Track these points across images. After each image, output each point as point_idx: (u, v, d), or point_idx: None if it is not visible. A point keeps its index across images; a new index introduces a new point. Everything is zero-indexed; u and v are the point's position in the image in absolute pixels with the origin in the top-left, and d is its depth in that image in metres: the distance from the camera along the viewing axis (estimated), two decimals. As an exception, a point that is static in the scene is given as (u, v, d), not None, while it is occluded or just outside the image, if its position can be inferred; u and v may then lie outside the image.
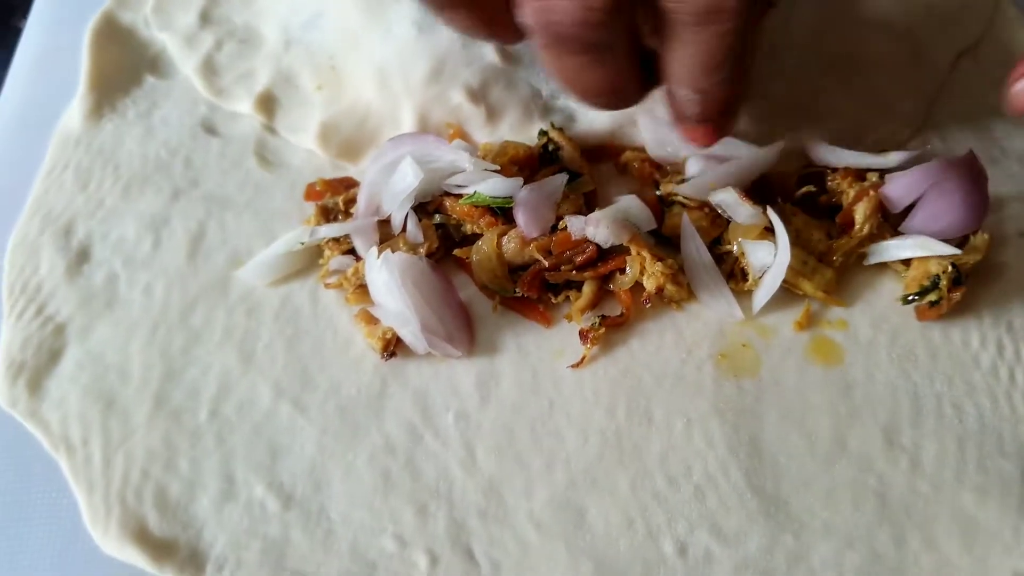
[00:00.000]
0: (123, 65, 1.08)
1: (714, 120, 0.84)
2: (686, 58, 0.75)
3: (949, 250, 0.87)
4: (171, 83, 1.07)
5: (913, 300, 0.88)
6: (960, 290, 0.87)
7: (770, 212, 0.88)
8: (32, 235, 0.94)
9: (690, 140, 0.88)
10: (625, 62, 0.76)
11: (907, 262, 0.91)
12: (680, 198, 0.92)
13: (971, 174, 0.89)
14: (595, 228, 0.86)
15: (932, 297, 0.87)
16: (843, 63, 1.07)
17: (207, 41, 1.09)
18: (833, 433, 0.83)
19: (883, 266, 0.93)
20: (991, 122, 1.06)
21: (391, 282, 0.84)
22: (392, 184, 0.88)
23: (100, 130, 1.02)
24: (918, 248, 0.88)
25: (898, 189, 0.90)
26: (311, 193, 0.96)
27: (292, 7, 1.09)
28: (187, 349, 0.87)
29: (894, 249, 0.89)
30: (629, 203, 0.89)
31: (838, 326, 0.90)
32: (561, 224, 0.89)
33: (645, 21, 0.75)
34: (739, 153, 0.96)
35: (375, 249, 0.85)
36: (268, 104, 1.04)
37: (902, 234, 0.91)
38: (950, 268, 0.87)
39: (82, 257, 0.93)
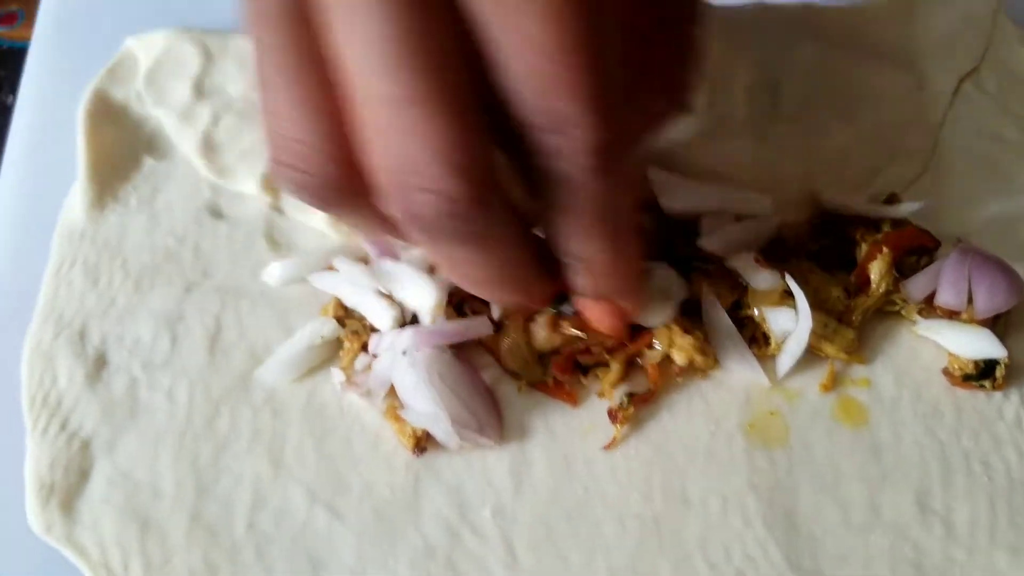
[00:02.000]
0: (120, 148, 1.01)
1: (612, 297, 0.75)
2: (557, 221, 0.62)
3: (1001, 351, 0.85)
4: (171, 164, 1.01)
5: (968, 379, 0.86)
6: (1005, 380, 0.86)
7: (789, 280, 0.85)
8: (47, 341, 0.90)
9: (593, 322, 0.79)
10: (514, 250, 0.63)
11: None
12: (697, 263, 0.89)
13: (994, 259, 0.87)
14: (654, 318, 0.83)
15: (986, 383, 0.85)
16: (846, 99, 1.03)
17: (203, 116, 1.03)
18: (866, 501, 0.81)
19: (897, 316, 0.91)
20: (995, 151, 1.02)
21: (419, 383, 0.80)
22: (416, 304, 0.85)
23: (104, 221, 0.97)
24: (978, 342, 0.85)
25: (920, 285, 0.89)
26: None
27: (288, 76, 1.04)
28: (216, 458, 0.83)
29: (949, 333, 0.87)
30: (666, 277, 0.85)
31: (862, 384, 0.87)
32: None
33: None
34: (747, 207, 0.92)
35: (402, 358, 0.82)
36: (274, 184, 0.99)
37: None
38: (1006, 360, 0.85)
39: (100, 363, 0.89)
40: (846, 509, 0.81)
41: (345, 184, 0.57)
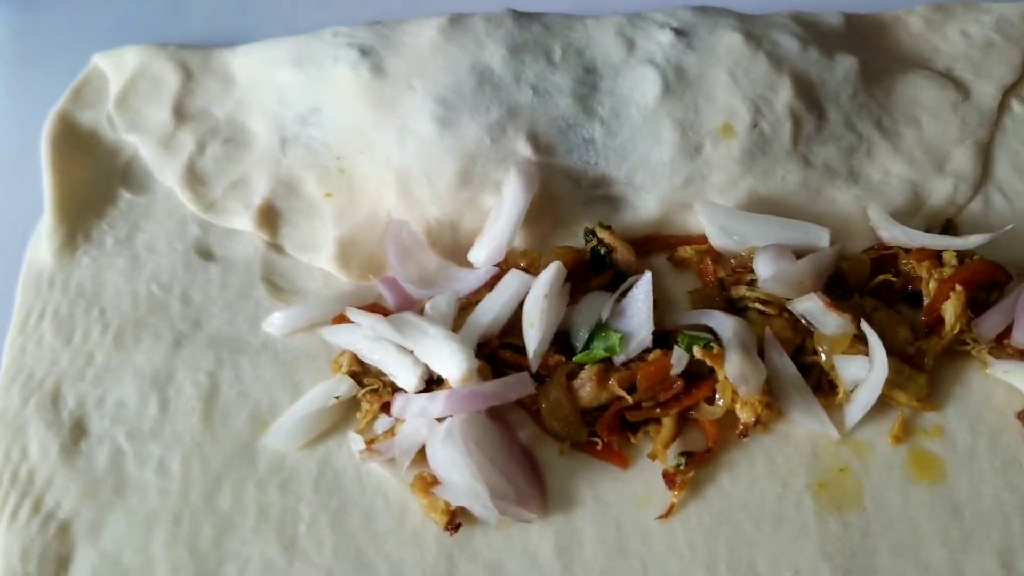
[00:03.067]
0: (91, 179, 0.90)
1: None
2: None
3: None
4: (151, 198, 0.90)
5: None
6: None
7: (865, 327, 0.77)
8: (13, 408, 0.78)
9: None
10: None
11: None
12: (757, 304, 0.81)
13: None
14: (745, 385, 0.74)
15: None
16: (891, 115, 0.95)
17: (187, 143, 0.91)
18: (948, 564, 0.73)
19: (966, 355, 0.83)
20: (1052, 171, 0.96)
21: (458, 457, 0.70)
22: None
23: (76, 265, 0.85)
24: None
25: (992, 324, 0.82)
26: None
27: (281, 98, 0.92)
28: (219, 540, 0.73)
29: None
30: (741, 335, 0.76)
31: (934, 434, 0.79)
32: (652, 356, 0.76)
33: None
34: (805, 238, 0.84)
35: (437, 427, 0.71)
36: (270, 218, 0.88)
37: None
38: None
39: (77, 432, 0.77)
40: (928, 574, 0.73)
41: None
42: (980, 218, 0.92)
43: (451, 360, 0.73)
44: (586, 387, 0.75)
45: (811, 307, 0.78)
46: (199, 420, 0.78)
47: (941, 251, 0.85)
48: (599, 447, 0.77)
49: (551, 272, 0.77)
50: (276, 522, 0.74)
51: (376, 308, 0.82)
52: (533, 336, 0.76)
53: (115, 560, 0.72)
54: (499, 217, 0.83)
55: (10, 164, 0.93)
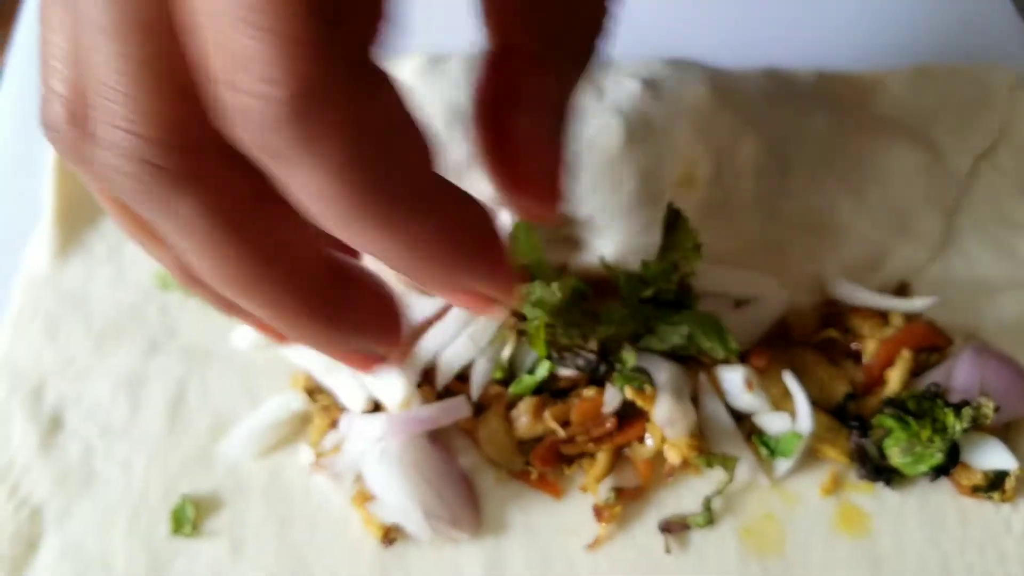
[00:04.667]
0: (90, 193, 0.97)
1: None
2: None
3: (1012, 463, 0.81)
4: (144, 211, 0.97)
5: (977, 490, 0.81)
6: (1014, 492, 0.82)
7: (789, 380, 0.81)
8: (1, 398, 0.85)
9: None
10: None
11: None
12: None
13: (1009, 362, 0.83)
14: (671, 427, 0.79)
15: (995, 495, 0.81)
16: (857, 174, 0.99)
17: (181, 161, 0.99)
18: (863, 616, 0.77)
19: (906, 417, 0.87)
20: (1015, 237, 0.98)
21: (390, 478, 0.76)
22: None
23: (68, 270, 0.93)
24: (988, 452, 0.81)
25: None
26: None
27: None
28: (172, 537, 0.79)
29: (988, 458, 0.82)
30: (674, 380, 0.81)
31: (865, 490, 0.83)
32: (586, 392, 0.81)
33: None
34: (753, 289, 0.89)
35: (373, 448, 0.77)
36: (250, 238, 0.94)
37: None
38: (1017, 471, 0.81)
39: (55, 425, 0.84)
40: (841, 626, 0.77)
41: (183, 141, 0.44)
42: (938, 281, 0.95)
43: (390, 386, 0.79)
44: (522, 419, 0.81)
45: (732, 378, 0.82)
46: (164, 423, 0.85)
47: (888, 312, 0.89)
48: (534, 477, 0.82)
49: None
50: (226, 523, 0.80)
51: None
52: (477, 367, 0.82)
53: (78, 546, 0.79)
54: None
55: (15, 167, 1.01)
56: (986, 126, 1.06)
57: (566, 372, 0.82)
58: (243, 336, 0.88)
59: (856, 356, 0.89)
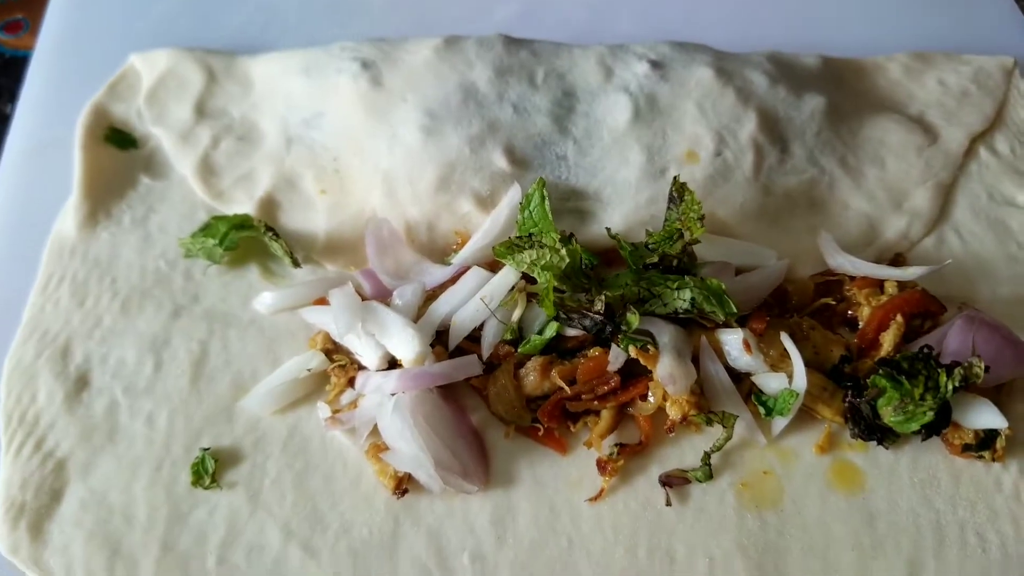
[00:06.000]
0: (117, 165, 1.04)
1: None
2: None
3: (1002, 422, 0.85)
4: (167, 184, 1.03)
5: (968, 449, 0.86)
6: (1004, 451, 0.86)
7: (785, 341, 0.86)
8: (28, 359, 0.91)
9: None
10: None
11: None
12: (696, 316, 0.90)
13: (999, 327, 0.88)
14: (673, 384, 0.83)
15: (985, 454, 0.86)
16: (855, 153, 1.05)
17: (204, 137, 1.05)
18: (857, 568, 0.81)
19: (900, 379, 0.91)
20: (1007, 215, 1.04)
21: (404, 428, 0.81)
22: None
23: (96, 239, 0.99)
24: (979, 412, 0.86)
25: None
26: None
27: (289, 102, 1.06)
28: (193, 489, 0.84)
29: (978, 418, 0.86)
30: (676, 341, 0.86)
31: (859, 448, 0.88)
32: (592, 352, 0.86)
33: None
34: (752, 260, 0.94)
35: (387, 400, 0.82)
36: (270, 209, 1.00)
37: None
38: (1007, 431, 0.85)
39: (81, 383, 0.90)
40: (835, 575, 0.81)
41: None
42: (932, 255, 1.01)
43: (406, 344, 0.84)
44: (530, 376, 0.86)
45: (731, 340, 0.87)
46: (187, 382, 0.90)
47: (883, 281, 0.94)
48: (541, 433, 0.87)
49: (499, 275, 0.88)
50: (245, 475, 0.85)
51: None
52: (487, 328, 0.87)
53: (102, 497, 0.84)
54: (496, 223, 0.93)
55: (52, 146, 1.07)
56: (982, 109, 1.12)
57: (573, 332, 0.87)
58: (263, 301, 0.93)
59: (852, 323, 0.94)
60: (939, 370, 0.83)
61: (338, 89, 1.03)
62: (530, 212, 0.89)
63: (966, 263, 1.00)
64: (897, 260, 0.98)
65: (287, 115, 1.05)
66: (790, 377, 0.86)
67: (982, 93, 1.13)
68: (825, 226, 0.99)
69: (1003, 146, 1.10)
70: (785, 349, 0.87)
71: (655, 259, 0.88)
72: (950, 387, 0.83)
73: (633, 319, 0.85)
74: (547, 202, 0.89)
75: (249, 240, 0.98)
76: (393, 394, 0.83)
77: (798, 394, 0.85)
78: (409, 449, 0.81)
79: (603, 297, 0.85)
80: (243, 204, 1.00)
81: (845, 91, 1.10)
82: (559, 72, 1.03)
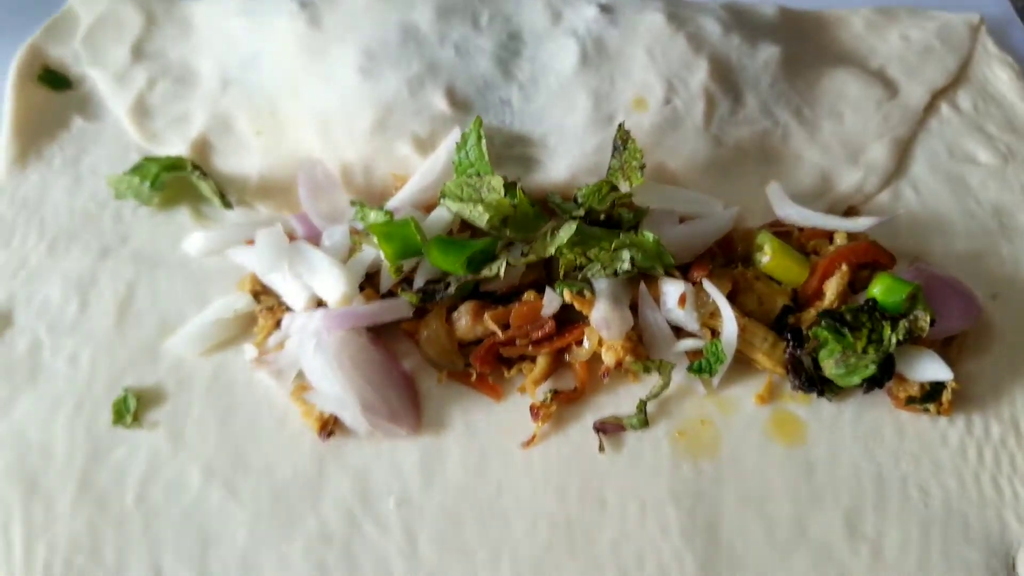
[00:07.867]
0: (51, 106, 1.05)
1: None
2: None
3: (947, 374, 0.86)
4: (101, 126, 1.05)
5: (912, 402, 0.87)
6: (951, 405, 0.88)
7: (708, 287, 0.87)
8: (-52, 299, 0.92)
9: None
10: None
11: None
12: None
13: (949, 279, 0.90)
14: (607, 330, 0.85)
15: (931, 407, 0.87)
16: (811, 106, 1.06)
17: (139, 79, 1.06)
18: (793, 519, 0.82)
19: (847, 334, 0.93)
20: (967, 171, 1.05)
21: (327, 367, 0.82)
22: None
23: (25, 179, 1.00)
24: (923, 364, 0.87)
25: None
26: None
27: (229, 43, 1.07)
28: (114, 427, 0.85)
29: (923, 370, 0.87)
30: (613, 287, 0.87)
31: (801, 400, 0.89)
32: (526, 296, 0.87)
33: None
34: (698, 209, 0.95)
35: (311, 339, 0.83)
36: (203, 150, 1.01)
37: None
38: (953, 384, 0.87)
39: (4, 322, 0.91)
40: (771, 526, 0.82)
41: None
42: (887, 210, 1.02)
43: (332, 284, 0.85)
44: (462, 320, 0.87)
45: (671, 291, 0.88)
46: (113, 322, 0.91)
47: (833, 233, 0.95)
48: (474, 378, 0.88)
49: (433, 214, 0.89)
50: (167, 415, 0.86)
51: (289, 239, 0.95)
52: (419, 269, 0.88)
53: (21, 433, 0.85)
54: (434, 166, 0.94)
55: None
56: (945, 65, 1.13)
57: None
58: (193, 243, 0.94)
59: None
60: (883, 323, 0.85)
61: (275, 29, 1.04)
62: (467, 152, 0.90)
63: (921, 218, 1.01)
64: (850, 213, 1.00)
65: (225, 57, 1.06)
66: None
67: (946, 49, 1.14)
68: (777, 178, 1.00)
69: (966, 103, 1.11)
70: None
71: (581, 213, 0.89)
72: (894, 340, 0.84)
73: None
74: (483, 142, 0.90)
75: (182, 182, 0.99)
76: (318, 334, 0.84)
77: (720, 344, 0.86)
78: (332, 389, 0.82)
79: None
80: (176, 146, 1.01)
81: (804, 43, 1.11)
82: (505, 14, 1.04)
